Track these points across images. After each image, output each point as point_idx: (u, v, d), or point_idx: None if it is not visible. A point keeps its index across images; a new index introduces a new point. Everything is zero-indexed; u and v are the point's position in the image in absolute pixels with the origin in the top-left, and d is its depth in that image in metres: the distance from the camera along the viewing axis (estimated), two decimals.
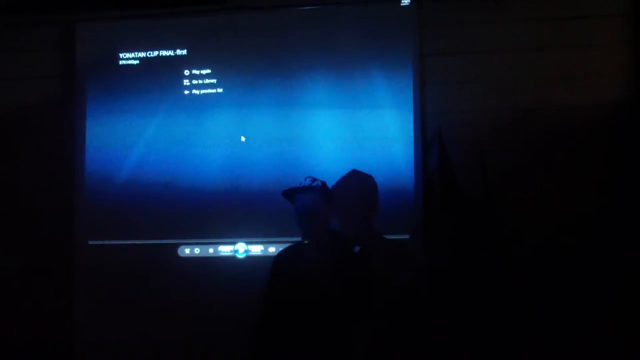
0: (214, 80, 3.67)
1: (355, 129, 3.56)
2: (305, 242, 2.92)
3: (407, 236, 3.44)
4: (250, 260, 3.56)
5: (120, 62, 3.75)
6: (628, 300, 3.40)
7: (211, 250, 3.59)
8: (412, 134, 3.52)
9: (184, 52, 3.72)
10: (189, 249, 3.59)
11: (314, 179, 2.93)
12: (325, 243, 2.89)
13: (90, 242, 3.64)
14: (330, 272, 2.79)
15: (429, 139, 3.56)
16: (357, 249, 2.90)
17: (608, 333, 3.37)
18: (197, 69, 3.68)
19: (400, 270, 3.04)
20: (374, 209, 3.22)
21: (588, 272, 3.46)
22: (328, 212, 2.94)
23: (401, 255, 3.16)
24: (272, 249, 3.52)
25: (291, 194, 2.94)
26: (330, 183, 3.25)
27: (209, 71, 3.68)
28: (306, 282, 2.79)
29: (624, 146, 3.53)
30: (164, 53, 3.73)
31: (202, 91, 3.67)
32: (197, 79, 3.68)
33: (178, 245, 3.59)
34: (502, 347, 3.14)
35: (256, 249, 3.58)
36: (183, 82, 3.68)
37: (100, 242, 3.64)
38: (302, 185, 2.92)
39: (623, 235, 3.46)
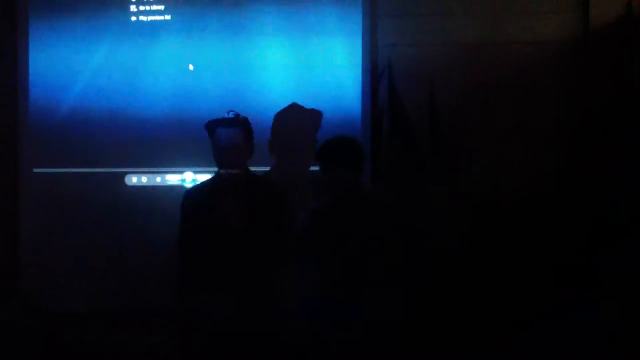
0: (161, 7, 3.58)
1: (304, 58, 3.53)
2: (221, 177, 2.87)
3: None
4: None
5: None
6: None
7: (159, 179, 3.58)
8: (360, 65, 3.50)
9: None
10: (136, 178, 3.58)
11: (237, 114, 2.88)
12: (242, 180, 2.85)
13: (35, 170, 3.60)
14: (245, 209, 2.76)
15: (379, 72, 3.55)
16: (275, 189, 2.91)
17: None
18: None
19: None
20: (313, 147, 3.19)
21: (532, 206, 3.54)
22: (247, 149, 2.89)
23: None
24: None
25: (213, 126, 2.86)
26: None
27: None
28: (221, 219, 2.75)
29: (574, 83, 3.56)
30: None
31: (150, 17, 3.58)
32: (144, 5, 3.58)
33: (125, 174, 3.57)
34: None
35: (204, 178, 3.57)
36: (130, 8, 3.58)
37: (46, 170, 3.60)
38: (224, 118, 2.86)
39: (573, 171, 3.53)
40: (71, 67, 3.59)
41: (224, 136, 2.82)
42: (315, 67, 3.53)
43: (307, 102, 3.50)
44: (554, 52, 3.57)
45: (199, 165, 3.54)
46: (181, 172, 3.56)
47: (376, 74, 3.56)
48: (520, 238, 3.49)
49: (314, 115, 3.37)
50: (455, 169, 3.52)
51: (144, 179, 3.58)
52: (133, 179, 3.58)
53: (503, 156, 3.55)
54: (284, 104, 3.48)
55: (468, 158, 3.55)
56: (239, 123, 2.86)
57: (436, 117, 3.50)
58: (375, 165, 3.52)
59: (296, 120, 3.43)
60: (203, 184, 3.00)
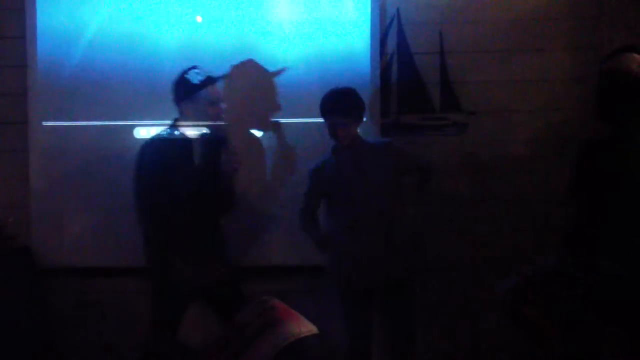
0: None
1: (312, 8, 3.52)
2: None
3: (363, 119, 3.46)
4: None
5: None
6: None
7: None
8: (369, 15, 3.49)
9: None
10: (145, 130, 3.56)
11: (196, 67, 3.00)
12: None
13: (45, 123, 3.59)
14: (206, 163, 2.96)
15: (387, 21, 3.53)
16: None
17: None
18: None
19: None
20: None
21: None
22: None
23: None
24: None
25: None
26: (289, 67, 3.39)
27: None
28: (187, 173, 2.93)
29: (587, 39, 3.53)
30: None
31: None
32: None
33: (134, 126, 3.56)
34: None
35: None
36: None
37: (55, 123, 3.59)
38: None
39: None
40: (79, 19, 3.57)
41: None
42: (323, 17, 3.51)
43: (316, 54, 3.51)
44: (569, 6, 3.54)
45: None
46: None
47: (384, 23, 3.54)
48: (528, 187, 3.49)
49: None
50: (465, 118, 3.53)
51: (153, 132, 3.58)
52: (142, 132, 3.57)
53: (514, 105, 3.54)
54: (292, 53, 3.50)
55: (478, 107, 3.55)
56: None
57: (446, 67, 3.49)
58: (384, 116, 3.51)
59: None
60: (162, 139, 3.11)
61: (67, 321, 3.60)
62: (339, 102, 3.02)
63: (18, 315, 3.42)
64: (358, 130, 3.09)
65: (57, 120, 3.59)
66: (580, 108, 3.49)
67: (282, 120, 3.54)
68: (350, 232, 3.00)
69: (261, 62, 3.52)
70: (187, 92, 2.98)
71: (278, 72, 3.50)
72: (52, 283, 3.60)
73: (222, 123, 3.05)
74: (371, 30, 3.50)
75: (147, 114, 3.55)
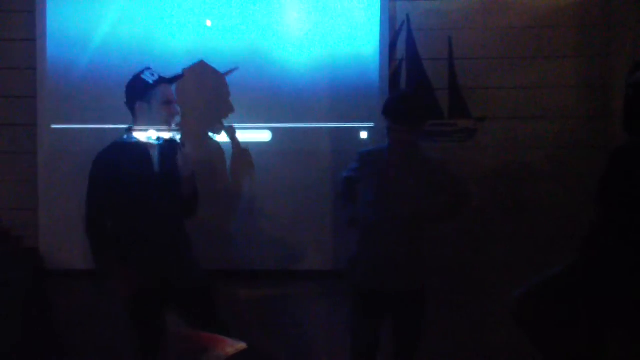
0: None
1: (322, 12, 3.52)
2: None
3: (371, 124, 3.48)
4: None
5: None
6: None
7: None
8: (379, 21, 3.50)
9: None
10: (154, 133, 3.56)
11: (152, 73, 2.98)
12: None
13: (53, 126, 3.60)
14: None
15: (397, 27, 3.53)
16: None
17: None
18: None
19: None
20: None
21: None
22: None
23: None
24: None
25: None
26: (298, 71, 3.35)
27: None
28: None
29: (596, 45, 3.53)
30: None
31: None
32: None
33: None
34: None
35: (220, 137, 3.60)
36: None
37: (64, 126, 3.59)
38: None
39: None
40: (89, 22, 3.58)
41: None
42: (333, 22, 3.51)
43: (326, 59, 3.51)
44: (574, 11, 3.54)
45: None
46: None
47: (394, 29, 3.54)
48: (536, 193, 3.49)
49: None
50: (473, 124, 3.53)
51: (160, 135, 3.56)
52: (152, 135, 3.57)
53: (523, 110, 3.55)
54: (302, 58, 3.50)
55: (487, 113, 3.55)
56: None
57: (455, 72, 3.49)
58: None
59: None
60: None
61: (73, 323, 3.59)
62: (397, 103, 2.92)
63: (24, 316, 3.42)
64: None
65: (65, 123, 3.60)
66: (588, 114, 3.50)
67: (290, 126, 3.54)
68: (376, 232, 2.95)
69: (271, 67, 3.52)
70: (142, 91, 2.96)
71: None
72: (59, 285, 3.60)
73: (176, 124, 3.01)
74: (380, 36, 3.50)
75: None
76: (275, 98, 3.53)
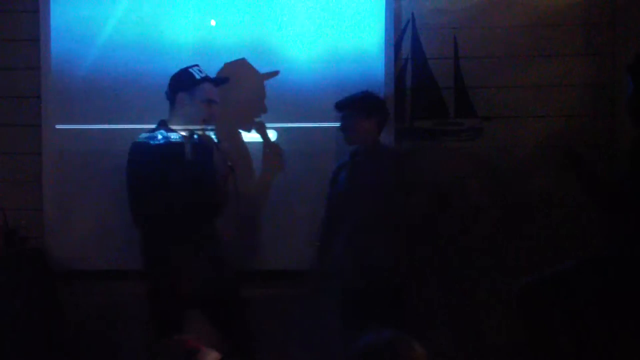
0: None
1: (326, 11, 3.51)
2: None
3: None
4: None
5: None
6: None
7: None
8: (384, 19, 3.49)
9: None
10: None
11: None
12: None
13: (58, 126, 3.58)
14: None
15: (402, 25, 3.53)
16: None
17: None
18: None
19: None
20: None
21: None
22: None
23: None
24: None
25: None
26: (303, 70, 3.41)
27: None
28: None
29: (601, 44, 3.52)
30: None
31: None
32: None
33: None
34: None
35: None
36: None
37: (68, 126, 3.58)
38: None
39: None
40: (93, 21, 3.56)
41: None
42: (338, 21, 3.51)
43: (330, 56, 3.50)
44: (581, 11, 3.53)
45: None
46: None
47: (399, 27, 3.54)
48: (542, 192, 3.48)
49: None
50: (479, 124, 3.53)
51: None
52: None
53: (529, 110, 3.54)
54: (307, 58, 3.50)
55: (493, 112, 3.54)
56: None
57: (460, 71, 3.49)
58: (398, 121, 3.50)
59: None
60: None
61: (80, 324, 3.59)
62: (348, 98, 3.13)
63: (31, 317, 3.42)
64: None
65: (70, 123, 3.59)
66: (594, 113, 3.50)
67: (296, 125, 3.53)
68: (354, 234, 3.01)
69: (276, 66, 3.51)
70: (186, 84, 2.98)
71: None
72: (65, 286, 3.60)
73: (212, 125, 3.04)
74: (386, 34, 3.50)
75: (161, 116, 3.51)
76: (281, 97, 3.52)
